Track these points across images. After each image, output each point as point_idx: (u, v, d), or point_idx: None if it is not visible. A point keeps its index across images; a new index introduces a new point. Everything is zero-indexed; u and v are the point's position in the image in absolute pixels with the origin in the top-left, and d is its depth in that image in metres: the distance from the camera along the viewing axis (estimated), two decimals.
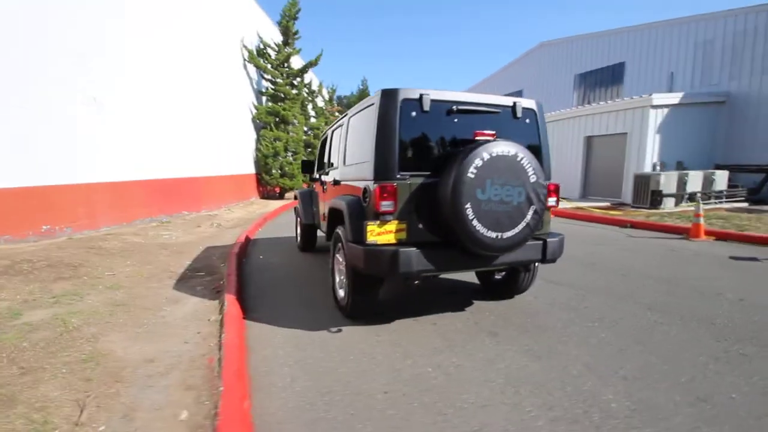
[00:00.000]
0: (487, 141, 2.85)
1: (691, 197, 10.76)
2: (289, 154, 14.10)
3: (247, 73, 13.79)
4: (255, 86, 14.31)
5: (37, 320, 3.16)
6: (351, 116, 3.75)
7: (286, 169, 13.94)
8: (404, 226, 2.96)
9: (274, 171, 13.91)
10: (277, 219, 10.18)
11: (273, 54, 14.42)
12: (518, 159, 2.86)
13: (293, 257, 5.97)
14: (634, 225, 8.41)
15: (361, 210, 3.12)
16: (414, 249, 2.87)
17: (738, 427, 1.99)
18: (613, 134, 13.15)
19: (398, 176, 2.92)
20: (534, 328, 3.25)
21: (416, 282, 3.10)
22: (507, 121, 3.28)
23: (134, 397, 2.18)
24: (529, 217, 2.93)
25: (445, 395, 2.30)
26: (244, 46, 13.39)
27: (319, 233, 6.21)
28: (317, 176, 5.47)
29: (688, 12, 51.13)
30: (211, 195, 11.19)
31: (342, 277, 3.63)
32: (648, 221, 8.47)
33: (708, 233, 6.84)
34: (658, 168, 12.10)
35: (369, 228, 2.91)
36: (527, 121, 3.36)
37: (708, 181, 11.33)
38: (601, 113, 13.55)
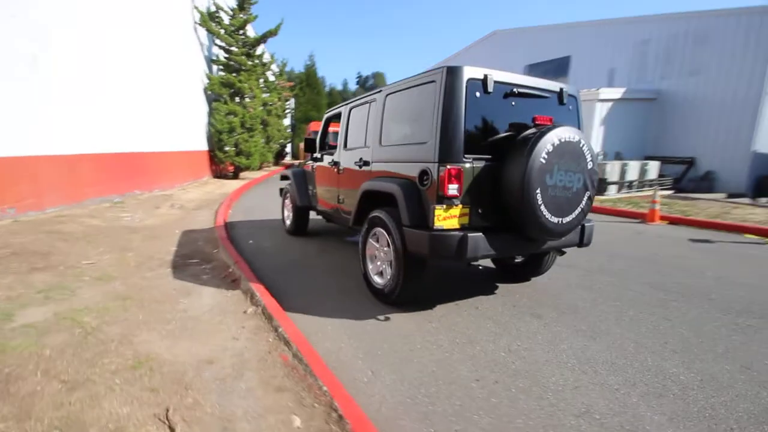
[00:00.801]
0: (555, 126, 2.86)
1: (630, 185, 11.96)
2: (246, 130, 13.12)
3: (198, 38, 12.43)
4: (206, 53, 12.99)
5: (38, 321, 2.64)
6: (389, 94, 3.55)
7: (243, 146, 12.99)
8: (467, 210, 2.91)
9: (228, 148, 12.89)
10: (243, 201, 9.51)
11: (227, 19, 13.15)
12: (581, 145, 2.93)
13: (286, 242, 5.63)
14: (593, 210, 9.16)
15: (417, 193, 3.00)
16: (480, 234, 2.84)
17: None
18: None
19: (464, 159, 2.83)
20: (568, 309, 3.41)
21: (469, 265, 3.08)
22: (554, 107, 3.33)
23: (220, 406, 1.92)
24: (584, 202, 3.03)
25: (535, 379, 2.34)
26: (195, 7, 12.04)
27: (312, 215, 5.95)
28: (318, 156, 5.16)
29: (633, 11, 55.66)
30: (163, 173, 10.12)
31: (379, 263, 3.50)
32: (605, 206, 9.27)
33: (662, 218, 7.67)
34: (601, 158, 13.23)
35: (437, 212, 2.81)
36: (570, 107, 3.44)
37: (642, 171, 12.65)
38: None
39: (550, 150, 2.75)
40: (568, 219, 2.97)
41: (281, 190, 6.49)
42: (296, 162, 26.03)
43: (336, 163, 4.51)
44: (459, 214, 2.88)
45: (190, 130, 11.97)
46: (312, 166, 5.38)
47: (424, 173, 2.95)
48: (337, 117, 5.03)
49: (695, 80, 13.58)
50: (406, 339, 2.79)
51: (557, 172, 2.82)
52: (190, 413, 1.85)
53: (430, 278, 4.13)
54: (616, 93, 13.41)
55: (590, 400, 2.15)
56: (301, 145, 31.68)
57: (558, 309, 3.41)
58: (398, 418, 1.94)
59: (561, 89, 3.36)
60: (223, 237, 5.38)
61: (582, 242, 3.44)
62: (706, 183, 13.13)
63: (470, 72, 2.89)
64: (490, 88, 2.92)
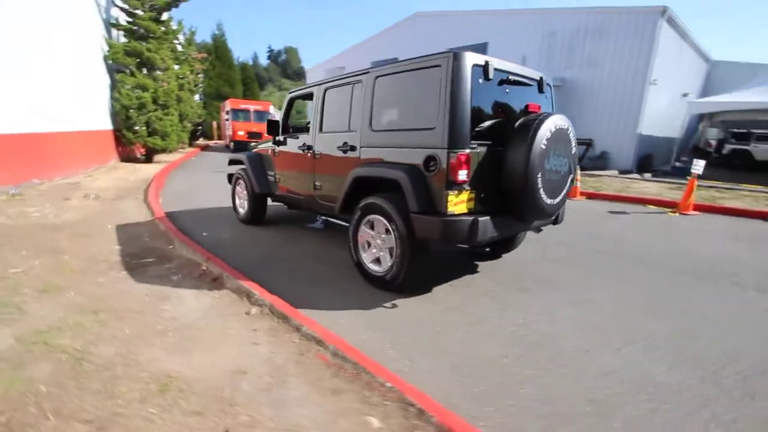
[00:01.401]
0: (551, 114, 3.05)
1: None
2: (159, 107, 11.60)
3: None
4: (104, 15, 11.05)
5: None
6: (379, 77, 3.42)
7: (157, 125, 11.49)
8: (474, 195, 2.99)
9: (139, 128, 11.30)
10: (170, 188, 8.53)
11: None
12: (568, 132, 3.17)
13: (246, 233, 5.23)
14: None
15: (423, 180, 2.99)
16: (487, 217, 2.96)
17: None
18: None
19: (470, 145, 2.89)
20: (545, 281, 3.73)
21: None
22: (536, 94, 3.53)
23: (281, 419, 1.77)
24: (568, 184, 3.32)
25: (553, 349, 2.56)
26: None
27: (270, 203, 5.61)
28: (281, 139, 4.82)
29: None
30: (63, 157, 8.57)
31: (375, 250, 3.46)
32: None
33: (581, 193, 8.71)
34: None
35: (450, 198, 2.85)
36: (547, 95, 3.68)
37: None
38: None
39: (549, 136, 2.95)
40: (557, 200, 3.23)
41: (230, 176, 5.97)
42: (210, 143, 23.87)
43: (309, 148, 4.27)
44: (467, 199, 2.96)
45: (90, 106, 10.24)
46: (273, 149, 5.02)
47: (431, 159, 2.95)
48: (306, 97, 4.72)
49: (593, 71, 15.37)
50: (422, 324, 2.84)
51: (552, 156, 3.04)
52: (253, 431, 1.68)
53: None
54: None
55: (604, 361, 2.43)
56: (216, 124, 29.01)
57: (537, 282, 3.72)
58: (455, 404, 1.99)
59: (541, 77, 3.58)
60: (175, 230, 4.81)
61: (557, 220, 3.78)
62: (602, 161, 15.15)
63: (474, 58, 2.93)
64: (491, 75, 3.01)
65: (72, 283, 3.22)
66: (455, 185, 2.87)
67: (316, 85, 4.30)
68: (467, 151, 2.87)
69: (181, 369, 2.09)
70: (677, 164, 14.66)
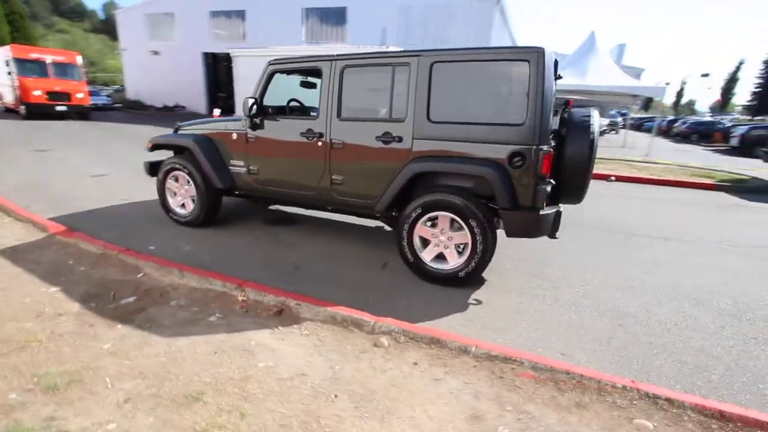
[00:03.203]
0: (592, 108, 3.41)
1: None
2: None
3: None
4: None
5: None
6: (436, 62, 3.12)
7: None
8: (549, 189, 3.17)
9: None
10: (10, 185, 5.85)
11: None
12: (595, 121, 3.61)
13: (209, 239, 4.16)
14: None
15: (509, 176, 2.99)
16: (560, 208, 3.20)
17: None
18: None
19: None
20: (552, 257, 4.31)
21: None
22: None
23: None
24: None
25: (623, 310, 3.06)
26: None
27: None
28: (258, 121, 3.91)
29: None
30: None
31: (436, 247, 3.33)
32: None
33: None
34: None
35: (541, 193, 2.95)
36: None
37: None
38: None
39: (596, 128, 3.32)
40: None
41: (153, 165, 4.54)
42: None
43: (319, 135, 3.63)
44: (549, 193, 3.12)
45: None
46: (241, 133, 4.03)
47: (517, 155, 2.96)
48: (302, 72, 3.89)
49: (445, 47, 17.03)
50: (518, 313, 2.94)
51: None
52: None
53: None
54: None
55: (654, 308, 3.07)
56: None
57: (544, 260, 4.22)
58: (666, 383, 2.25)
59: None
60: (125, 250, 3.46)
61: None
62: None
63: (550, 53, 3.00)
64: (558, 72, 3.16)
65: (75, 363, 2.07)
66: (543, 180, 3.00)
67: (323, 60, 3.61)
68: (550, 146, 3.00)
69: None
70: None
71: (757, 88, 42.52)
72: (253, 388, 1.98)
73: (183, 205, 4.53)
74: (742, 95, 43.79)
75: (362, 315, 2.59)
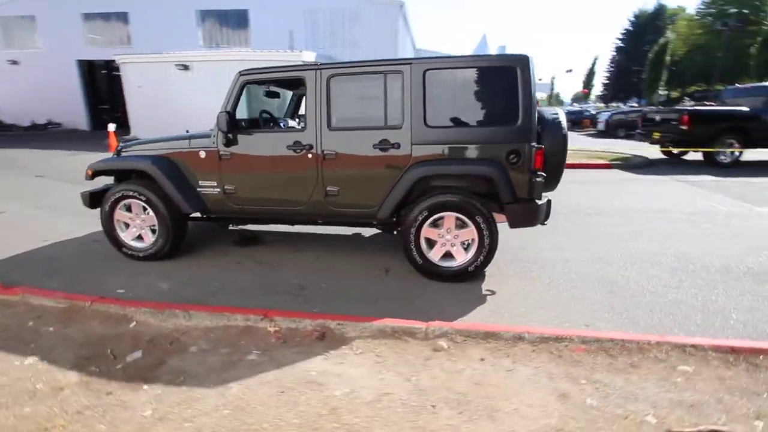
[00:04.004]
0: (556, 107, 3.82)
1: None
2: None
3: None
4: None
5: None
6: (429, 69, 3.20)
7: None
8: None
9: None
10: None
11: None
12: None
13: (178, 271, 3.71)
14: None
15: (507, 172, 3.23)
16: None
17: None
18: None
19: None
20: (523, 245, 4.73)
21: None
22: None
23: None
24: None
25: (617, 284, 3.55)
26: None
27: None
28: (231, 136, 3.59)
29: None
30: None
31: (442, 246, 3.45)
32: None
33: None
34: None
35: (537, 186, 3.24)
36: None
37: None
38: (261, 61, 14.28)
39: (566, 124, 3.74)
40: None
41: (92, 195, 3.90)
42: None
43: (308, 147, 3.47)
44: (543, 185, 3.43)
45: None
46: (218, 151, 3.66)
47: (513, 152, 3.22)
48: (279, 83, 3.63)
49: (354, 51, 17.23)
50: (528, 297, 3.19)
51: None
52: None
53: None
54: (312, 56, 15.01)
55: (626, 273, 3.61)
56: None
57: (520, 246, 4.62)
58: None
59: None
60: (102, 298, 2.91)
61: None
62: None
63: (533, 61, 3.31)
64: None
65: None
66: (537, 174, 3.30)
67: (307, 70, 3.46)
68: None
69: None
70: None
71: (606, 80, 50.95)
72: (350, 419, 1.88)
73: (140, 237, 3.95)
74: (598, 87, 51.78)
75: (412, 323, 2.59)
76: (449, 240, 3.45)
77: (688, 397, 2.02)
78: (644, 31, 45.60)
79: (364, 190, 3.50)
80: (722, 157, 9.43)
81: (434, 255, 3.48)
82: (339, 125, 3.46)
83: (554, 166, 3.64)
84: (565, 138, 3.58)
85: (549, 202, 3.47)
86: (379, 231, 4.78)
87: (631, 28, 48.53)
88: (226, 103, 3.62)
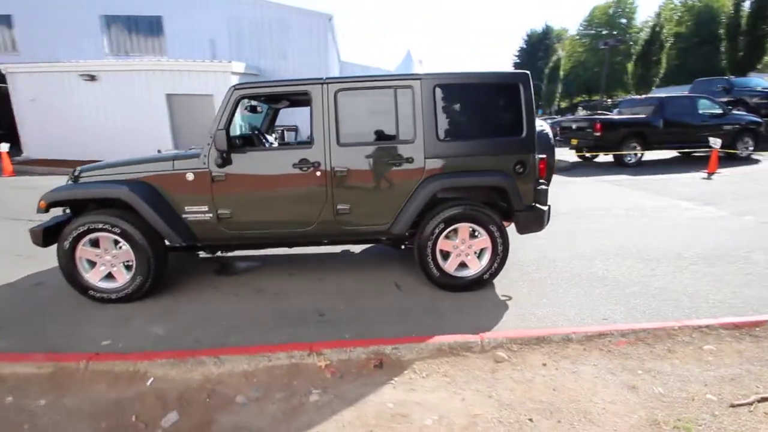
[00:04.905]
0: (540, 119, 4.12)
1: None
2: None
3: None
4: None
5: None
6: (440, 85, 3.23)
7: None
8: None
9: None
10: None
11: None
12: None
13: (167, 311, 3.24)
14: None
15: (515, 182, 3.39)
16: None
17: None
18: (199, 95, 13.43)
19: None
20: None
21: None
22: None
23: None
24: None
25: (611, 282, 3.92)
26: None
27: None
28: (226, 156, 3.26)
29: None
30: None
31: (457, 257, 3.50)
32: None
33: None
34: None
35: (543, 193, 3.45)
36: None
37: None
38: (180, 71, 13.22)
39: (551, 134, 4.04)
40: None
41: (46, 230, 3.27)
42: None
43: (316, 164, 3.29)
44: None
45: None
46: (209, 173, 3.27)
47: (520, 163, 3.40)
48: (277, 98, 3.33)
49: (284, 62, 16.78)
50: (541, 298, 3.39)
51: None
52: None
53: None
54: (241, 67, 14.29)
55: (610, 267, 4.03)
56: None
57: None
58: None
59: None
60: (99, 355, 2.40)
61: None
62: None
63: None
64: None
65: None
66: (540, 182, 3.52)
67: (312, 84, 3.28)
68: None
69: None
70: None
71: None
72: None
73: (110, 276, 3.38)
74: None
75: (465, 337, 2.58)
76: (463, 250, 3.51)
77: (725, 373, 2.30)
78: (537, 48, 51.45)
79: (378, 207, 3.42)
80: (628, 159, 10.96)
81: (450, 266, 3.51)
82: (349, 141, 3.34)
83: (547, 174, 3.92)
84: (553, 148, 3.87)
85: (549, 207, 3.72)
86: (369, 245, 4.74)
87: (525, 46, 54.37)
88: (218, 120, 3.29)
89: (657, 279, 3.74)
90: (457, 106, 3.42)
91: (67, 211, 3.60)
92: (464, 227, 3.44)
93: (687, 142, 11.03)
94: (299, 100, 4.34)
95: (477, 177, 3.39)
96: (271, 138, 4.60)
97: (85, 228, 3.20)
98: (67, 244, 3.22)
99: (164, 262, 3.46)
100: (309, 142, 3.37)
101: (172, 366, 2.38)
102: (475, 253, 3.54)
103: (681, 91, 14.87)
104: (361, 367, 2.41)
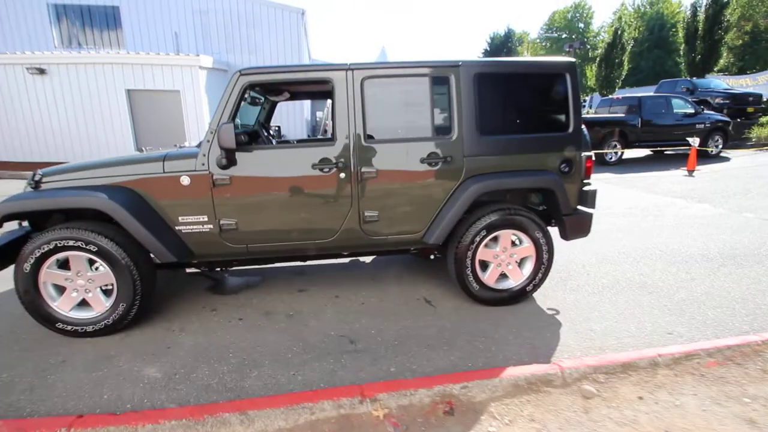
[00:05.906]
0: None
1: None
2: None
3: None
4: None
5: None
6: (480, 74, 2.82)
7: None
8: None
9: None
10: None
11: None
12: None
13: (160, 346, 2.65)
14: None
15: (562, 183, 3.04)
16: None
17: None
18: (164, 91, 12.42)
19: None
20: None
21: None
22: None
23: None
24: None
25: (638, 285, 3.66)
26: None
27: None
28: (233, 157, 2.70)
29: None
30: None
31: (498, 267, 3.11)
32: None
33: None
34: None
35: (590, 195, 3.13)
36: None
37: None
38: (142, 65, 12.15)
39: None
40: None
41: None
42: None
43: (340, 164, 2.79)
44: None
45: None
46: (210, 175, 2.69)
47: (566, 161, 3.05)
48: (289, 85, 2.78)
49: (254, 57, 15.92)
50: (592, 310, 3.08)
51: None
52: None
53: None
54: (209, 62, 13.35)
55: (644, 272, 3.80)
56: None
57: None
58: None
59: None
60: (83, 417, 1.79)
61: None
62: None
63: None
64: None
65: None
66: (586, 182, 3.20)
67: (334, 70, 2.77)
68: None
69: None
70: None
71: None
72: None
73: (84, 303, 2.73)
74: None
75: (543, 369, 2.18)
76: (504, 260, 3.13)
77: None
78: (499, 51, 52.52)
79: (411, 213, 2.97)
80: (609, 157, 11.09)
81: (489, 278, 3.11)
82: (379, 137, 2.86)
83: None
84: (589, 146, 3.57)
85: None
86: (376, 256, 4.26)
87: (488, 48, 55.42)
88: (221, 112, 2.72)
89: (696, 283, 3.52)
90: (499, 98, 3.01)
91: (25, 224, 2.91)
92: (506, 234, 3.05)
93: (664, 140, 11.33)
94: (313, 90, 3.81)
95: (524, 177, 3.00)
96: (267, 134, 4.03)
97: (51, 246, 2.54)
98: (27, 266, 2.55)
99: (152, 283, 2.85)
100: (330, 139, 2.87)
101: (185, 428, 1.83)
102: (517, 262, 3.17)
103: (646, 92, 15.40)
104: (428, 415, 1.96)
